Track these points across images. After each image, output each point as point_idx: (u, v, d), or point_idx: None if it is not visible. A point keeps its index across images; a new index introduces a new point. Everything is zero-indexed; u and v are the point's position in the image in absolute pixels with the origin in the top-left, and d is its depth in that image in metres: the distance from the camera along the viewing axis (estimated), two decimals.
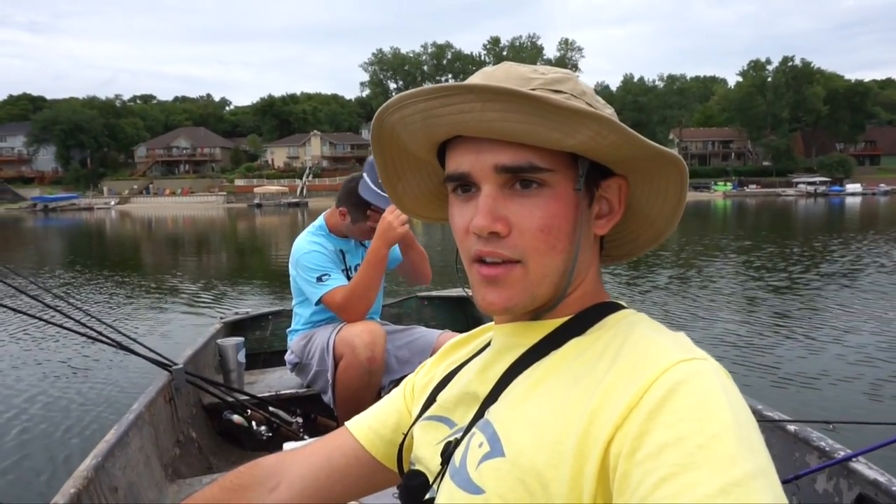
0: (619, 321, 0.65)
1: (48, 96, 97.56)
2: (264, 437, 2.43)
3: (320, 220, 2.67)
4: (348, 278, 2.57)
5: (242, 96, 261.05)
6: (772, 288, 8.80)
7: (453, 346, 0.84)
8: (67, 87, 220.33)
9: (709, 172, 77.82)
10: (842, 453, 1.56)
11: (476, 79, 0.63)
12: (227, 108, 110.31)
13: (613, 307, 0.68)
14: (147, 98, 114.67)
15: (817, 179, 67.41)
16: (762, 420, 1.79)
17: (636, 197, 0.69)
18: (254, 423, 2.47)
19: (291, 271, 2.58)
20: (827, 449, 1.60)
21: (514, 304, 0.64)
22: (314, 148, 79.82)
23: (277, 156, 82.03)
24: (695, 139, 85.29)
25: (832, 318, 6.73)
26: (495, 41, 76.71)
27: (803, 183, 67.00)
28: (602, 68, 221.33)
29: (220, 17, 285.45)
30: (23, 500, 3.24)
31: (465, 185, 0.64)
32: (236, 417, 2.49)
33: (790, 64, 75.35)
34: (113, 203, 68.18)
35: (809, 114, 75.75)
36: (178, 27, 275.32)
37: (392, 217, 2.37)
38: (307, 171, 74.01)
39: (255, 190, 67.43)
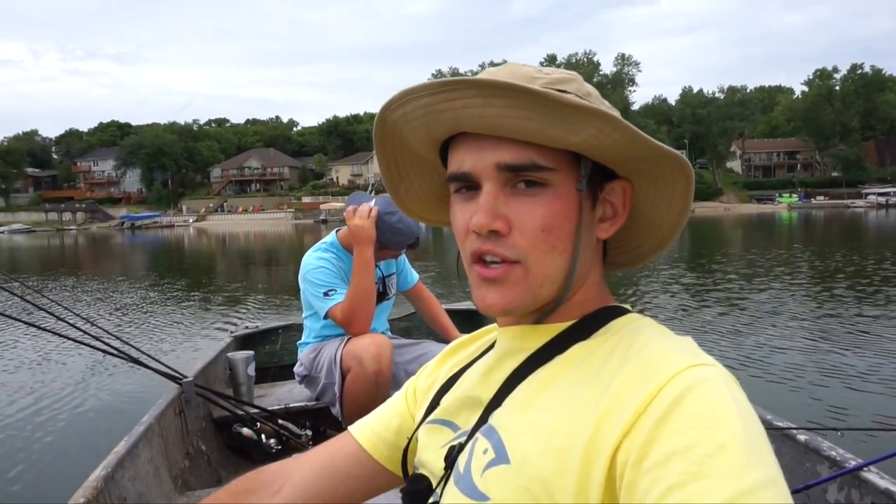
0: (625, 326, 0.64)
1: (133, 122, 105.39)
2: (274, 450, 2.46)
3: (332, 237, 2.69)
4: None
5: (309, 116, 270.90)
6: (808, 295, 9.06)
7: (455, 348, 0.85)
8: (149, 113, 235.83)
9: (773, 184, 75.82)
10: (853, 462, 1.52)
11: (481, 76, 0.61)
12: (295, 129, 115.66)
13: (618, 311, 0.67)
14: (221, 121, 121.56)
15: (890, 190, 64.49)
16: (771, 429, 1.79)
17: (641, 202, 0.68)
18: (263, 436, 2.51)
19: (301, 285, 2.62)
20: (838, 458, 1.57)
21: (515, 305, 0.63)
22: (376, 165, 78.74)
23: (342, 173, 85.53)
24: (758, 150, 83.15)
25: (860, 328, 6.75)
26: (551, 58, 77.40)
27: (873, 194, 64.38)
28: (665, 79, 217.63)
29: (288, 41, 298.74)
30: None
31: (467, 184, 0.63)
32: (246, 430, 2.52)
33: (859, 71, 72.83)
34: (191, 221, 73.04)
35: (883, 122, 72.85)
36: (248, 52, 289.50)
37: (357, 220, 2.43)
38: (370, 188, 76.57)
39: (321, 207, 70.45)
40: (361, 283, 2.43)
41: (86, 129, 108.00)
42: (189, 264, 21.84)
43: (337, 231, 2.72)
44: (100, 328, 2.79)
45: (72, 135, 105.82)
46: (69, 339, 2.24)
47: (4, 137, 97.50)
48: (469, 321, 3.42)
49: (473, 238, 0.63)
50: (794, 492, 1.53)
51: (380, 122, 0.67)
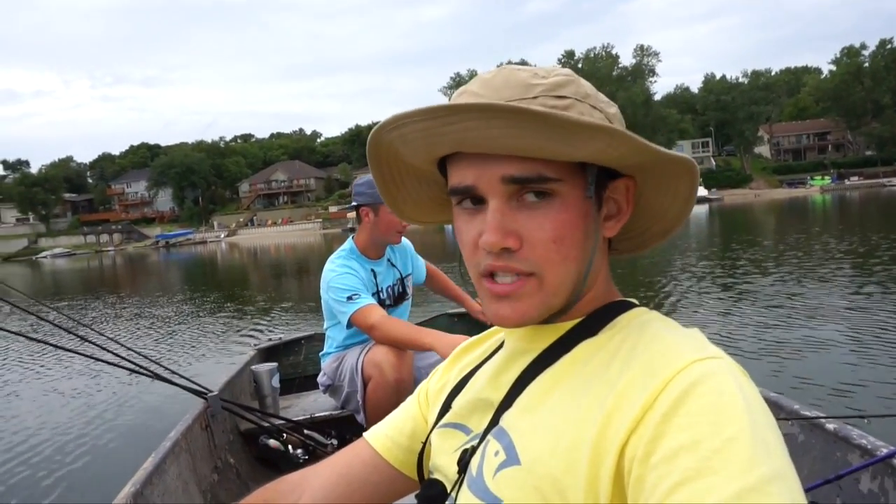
0: (632, 320, 0.65)
1: (162, 143, 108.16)
2: (301, 461, 2.45)
3: (349, 244, 2.72)
4: (379, 301, 2.63)
5: (332, 127, 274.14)
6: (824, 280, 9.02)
7: (465, 349, 0.85)
8: (176, 133, 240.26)
9: (805, 167, 74.10)
10: (884, 450, 1.49)
11: (474, 86, 0.62)
12: (319, 140, 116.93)
13: (625, 306, 0.68)
14: (246, 137, 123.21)
15: None
16: (799, 419, 1.78)
17: (644, 194, 0.68)
18: (290, 446, 2.53)
19: (323, 295, 2.62)
20: (869, 446, 1.55)
21: (529, 317, 0.63)
22: None
23: None
24: (787, 134, 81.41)
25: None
26: (570, 54, 76.70)
27: None
28: (687, 67, 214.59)
29: (307, 55, 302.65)
30: None
31: (472, 197, 0.62)
32: (272, 442, 2.54)
33: (889, 46, 70.79)
34: (223, 236, 74.33)
35: None
36: (269, 68, 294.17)
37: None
38: None
39: (348, 215, 70.93)
40: (403, 339, 2.41)
41: (117, 153, 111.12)
42: (222, 278, 22.34)
43: (352, 237, 2.76)
44: (122, 345, 2.85)
45: (105, 159, 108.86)
46: (94, 358, 2.29)
47: (42, 165, 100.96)
48: (477, 324, 3.46)
49: (484, 254, 0.62)
50: (826, 482, 1.50)
51: (373, 142, 0.66)
